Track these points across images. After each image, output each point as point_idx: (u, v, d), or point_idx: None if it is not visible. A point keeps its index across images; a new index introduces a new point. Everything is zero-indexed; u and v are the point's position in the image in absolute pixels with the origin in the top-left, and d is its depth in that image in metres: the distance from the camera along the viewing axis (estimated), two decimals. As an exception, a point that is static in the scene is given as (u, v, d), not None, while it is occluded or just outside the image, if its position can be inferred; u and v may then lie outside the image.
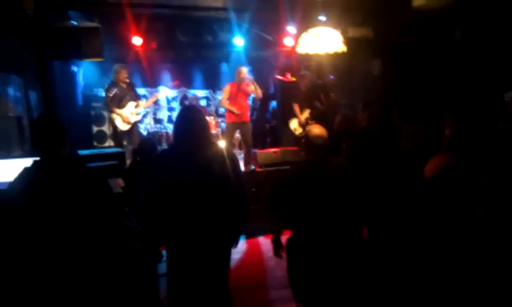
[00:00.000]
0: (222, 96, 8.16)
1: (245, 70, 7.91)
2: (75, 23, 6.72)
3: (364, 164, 4.02)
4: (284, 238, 3.63)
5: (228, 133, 8.22)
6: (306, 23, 7.41)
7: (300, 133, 8.65)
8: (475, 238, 2.82)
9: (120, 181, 4.81)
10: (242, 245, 3.59)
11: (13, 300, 2.85)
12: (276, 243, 3.66)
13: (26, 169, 2.82)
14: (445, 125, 3.33)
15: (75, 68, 9.40)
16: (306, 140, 3.49)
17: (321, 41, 6.27)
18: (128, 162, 6.82)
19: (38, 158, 2.84)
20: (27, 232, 2.71)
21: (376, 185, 3.50)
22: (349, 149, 4.65)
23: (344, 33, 6.78)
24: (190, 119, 3.29)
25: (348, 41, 6.61)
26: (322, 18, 6.62)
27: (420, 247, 3.11)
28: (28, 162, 4.16)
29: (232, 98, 7.92)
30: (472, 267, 2.82)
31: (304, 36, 6.49)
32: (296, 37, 8.50)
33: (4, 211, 2.77)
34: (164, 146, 9.64)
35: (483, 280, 2.75)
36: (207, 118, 3.83)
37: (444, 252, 2.94)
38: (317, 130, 3.47)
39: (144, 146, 5.38)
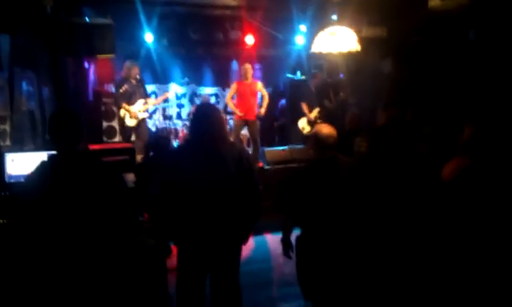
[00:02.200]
0: (228, 94, 8.24)
1: (248, 67, 7.97)
2: (88, 19, 6.77)
3: (378, 162, 4.03)
4: (293, 236, 3.66)
5: (235, 130, 8.32)
6: (318, 22, 7.42)
7: (308, 132, 8.68)
8: (497, 241, 2.83)
9: (132, 176, 4.87)
10: (250, 242, 3.62)
11: (27, 290, 2.91)
12: (286, 243, 3.67)
13: (43, 163, 2.86)
14: (465, 128, 3.32)
15: (86, 64, 9.46)
16: (315, 139, 3.51)
17: (336, 40, 6.27)
18: (138, 157, 6.87)
19: (55, 152, 2.88)
20: (43, 224, 2.75)
21: (389, 184, 3.52)
22: (366, 143, 4.66)
23: (357, 32, 6.79)
24: (207, 116, 3.34)
25: (361, 41, 6.61)
26: (335, 17, 6.61)
27: (435, 249, 3.12)
28: (40, 155, 4.26)
29: (238, 96, 7.99)
30: (494, 269, 2.83)
31: (320, 35, 6.50)
32: (308, 35, 8.52)
33: (21, 203, 2.82)
34: (173, 142, 9.69)
35: (507, 284, 2.76)
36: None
37: (462, 255, 2.94)
38: (326, 129, 3.49)
39: (159, 142, 5.44)
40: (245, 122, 8.10)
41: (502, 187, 2.84)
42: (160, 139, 5.60)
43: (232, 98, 8.24)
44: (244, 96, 7.99)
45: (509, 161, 2.91)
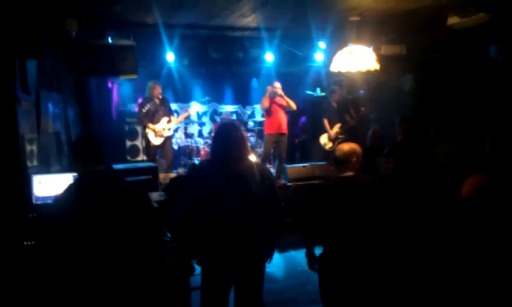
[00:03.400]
0: (262, 101, 8.29)
1: (278, 85, 8.05)
2: (111, 41, 6.91)
3: (404, 175, 4.01)
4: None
5: (266, 145, 8.37)
6: (337, 39, 7.46)
7: (330, 148, 8.68)
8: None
9: (156, 195, 4.93)
10: (273, 259, 3.63)
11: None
12: (310, 256, 3.67)
13: (70, 185, 2.94)
14: (485, 144, 3.31)
15: (110, 84, 9.64)
16: (336, 156, 3.54)
17: (355, 59, 6.30)
18: (161, 176, 6.96)
19: (79, 174, 2.96)
20: (70, 245, 2.81)
21: (414, 197, 3.50)
22: (392, 164, 4.66)
23: (376, 50, 6.80)
24: (228, 136, 3.37)
25: (380, 58, 6.63)
26: (354, 35, 6.65)
27: (458, 265, 3.10)
28: (66, 177, 4.36)
29: (268, 112, 8.06)
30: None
31: (339, 54, 6.54)
32: (327, 52, 8.56)
33: (49, 224, 2.89)
34: (195, 160, 9.79)
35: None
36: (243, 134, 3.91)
37: (483, 271, 2.93)
38: (346, 147, 3.51)
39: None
40: (276, 136, 8.16)
41: None
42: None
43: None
44: (274, 112, 8.06)
45: None
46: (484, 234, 2.90)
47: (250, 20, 6.80)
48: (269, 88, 8.09)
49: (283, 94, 8.02)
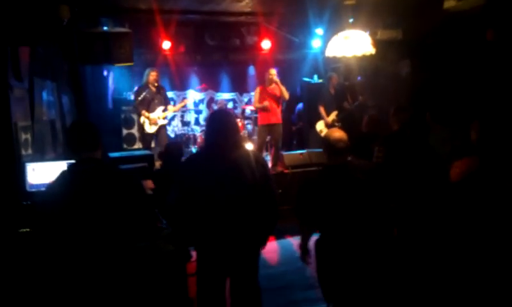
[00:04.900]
0: (254, 99, 8.26)
1: (273, 72, 7.98)
2: (107, 28, 6.85)
3: (395, 168, 4.00)
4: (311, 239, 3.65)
5: (259, 136, 8.32)
6: (335, 25, 7.41)
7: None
8: (506, 240, 2.81)
9: (150, 183, 4.91)
10: (271, 245, 3.62)
11: (49, 295, 2.97)
12: (303, 249, 3.67)
13: (63, 172, 2.91)
14: (472, 129, 3.30)
15: (105, 72, 9.59)
16: (326, 144, 3.51)
17: (350, 43, 6.23)
18: (157, 164, 6.93)
19: (73, 161, 2.93)
20: (63, 232, 2.79)
21: (407, 187, 3.49)
22: (383, 153, 4.64)
23: (372, 35, 6.75)
24: (221, 122, 3.35)
25: (377, 43, 6.57)
26: (351, 20, 6.58)
27: (449, 248, 3.10)
28: (60, 164, 4.34)
29: (262, 101, 8.00)
30: (500, 268, 2.81)
31: (334, 39, 6.48)
32: (324, 39, 8.51)
33: (42, 211, 2.87)
34: (192, 148, 9.78)
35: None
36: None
37: (474, 254, 2.92)
38: (337, 133, 3.48)
39: (170, 150, 5.50)
40: (269, 126, 8.11)
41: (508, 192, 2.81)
42: (171, 146, 5.66)
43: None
44: (267, 101, 8.01)
45: None
46: (474, 218, 2.90)
47: (244, 4, 6.74)
48: (269, 76, 8.03)
49: (278, 81, 7.96)
